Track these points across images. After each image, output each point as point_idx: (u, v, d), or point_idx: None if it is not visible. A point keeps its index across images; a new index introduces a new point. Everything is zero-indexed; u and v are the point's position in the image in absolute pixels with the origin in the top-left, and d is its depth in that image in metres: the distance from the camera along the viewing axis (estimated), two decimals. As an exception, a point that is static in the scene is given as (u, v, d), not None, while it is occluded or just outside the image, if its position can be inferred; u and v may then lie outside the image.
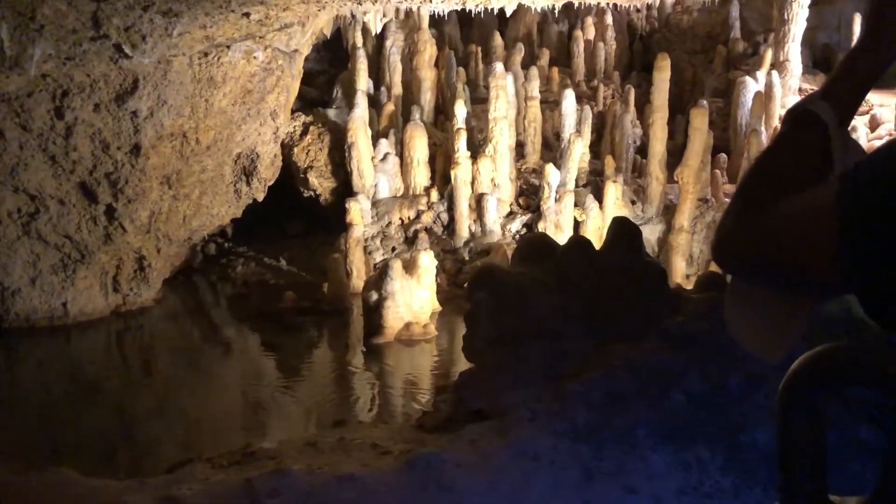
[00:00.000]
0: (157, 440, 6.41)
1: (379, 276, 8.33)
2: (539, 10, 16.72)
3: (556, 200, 10.14)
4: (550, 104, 13.72)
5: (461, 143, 10.47)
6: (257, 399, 7.05)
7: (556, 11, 18.16)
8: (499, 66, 10.66)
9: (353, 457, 4.81)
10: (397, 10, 12.51)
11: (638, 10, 20.43)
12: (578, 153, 10.20)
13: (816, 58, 17.58)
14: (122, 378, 8.03)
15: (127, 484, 4.09)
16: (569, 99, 10.83)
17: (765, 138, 13.75)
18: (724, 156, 13.94)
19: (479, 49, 15.06)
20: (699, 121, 10.27)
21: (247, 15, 7.23)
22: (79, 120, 7.71)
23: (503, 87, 10.59)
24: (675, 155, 13.21)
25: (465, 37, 17.07)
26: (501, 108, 10.58)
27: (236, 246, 12.41)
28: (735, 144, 14.49)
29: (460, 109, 10.81)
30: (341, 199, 10.90)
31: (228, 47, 8.24)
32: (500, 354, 4.93)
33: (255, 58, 8.77)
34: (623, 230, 5.01)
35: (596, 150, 13.14)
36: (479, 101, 13.56)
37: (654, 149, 10.75)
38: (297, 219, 12.81)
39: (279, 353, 8.35)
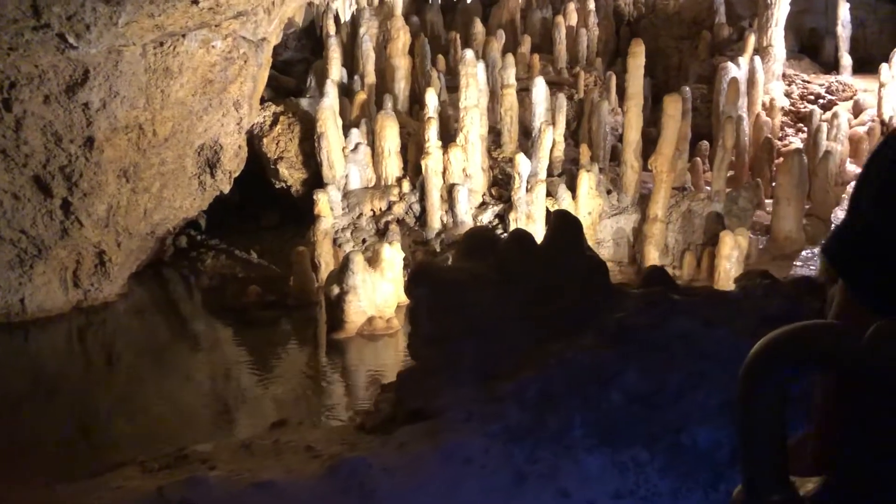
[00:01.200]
0: (107, 440, 6.27)
1: (340, 270, 8.17)
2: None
3: (527, 190, 9.95)
4: (530, 92, 13.53)
5: (432, 133, 10.28)
6: (209, 397, 6.90)
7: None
8: (468, 54, 10.45)
9: (283, 461, 4.66)
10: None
11: (625, -4, 20.21)
12: (549, 142, 10.00)
13: (804, 42, 17.35)
14: (80, 375, 7.88)
15: (37, 492, 3.94)
16: (539, 87, 10.62)
17: (746, 125, 13.56)
18: (705, 143, 13.76)
19: (458, 36, 14.83)
20: (672, 108, 10.07)
21: (195, 2, 7.04)
22: (28, 112, 7.52)
23: (473, 75, 10.38)
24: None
25: (449, 24, 16.85)
26: (472, 96, 10.38)
27: (209, 238, 12.25)
28: (717, 132, 14.29)
29: (431, 98, 10.61)
30: (313, 191, 10.72)
31: (184, 36, 8.04)
32: (437, 353, 4.77)
33: (213, 47, 8.56)
34: (564, 224, 4.83)
35: (577, 138, 12.95)
36: (456, 89, 13.35)
37: (629, 137, 10.55)
38: (271, 210, 12.66)
39: (238, 349, 8.20)
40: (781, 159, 12.66)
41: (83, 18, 6.60)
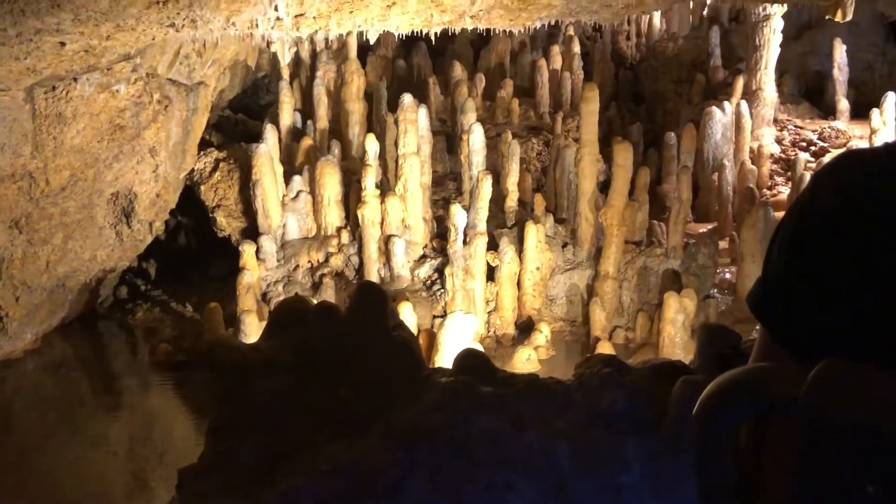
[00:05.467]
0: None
1: (235, 331, 7.52)
2: (504, 30, 15.99)
3: (465, 243, 9.24)
4: (498, 138, 12.91)
5: (369, 181, 9.66)
6: (45, 479, 6.24)
7: (530, 40, 17.43)
8: (406, 98, 9.83)
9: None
10: (327, 40, 11.86)
11: (628, 39, 19.61)
12: (488, 192, 9.29)
13: (809, 86, 16.45)
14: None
15: None
16: (476, 133, 9.93)
17: (730, 174, 12.70)
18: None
19: (434, 81, 14.32)
20: (622, 157, 9.30)
21: (62, 44, 6.54)
22: None
23: (413, 121, 9.75)
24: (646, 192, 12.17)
25: (438, 67, 16.42)
26: (411, 142, 9.74)
27: (154, 287, 11.75)
28: (702, 180, 13.45)
29: (371, 144, 10.02)
30: (251, 241, 10.20)
31: (75, 80, 7.58)
32: (215, 448, 4.07)
33: (117, 91, 8.10)
34: (366, 297, 4.12)
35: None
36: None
37: (583, 187, 9.79)
38: (221, 260, 12.12)
39: (119, 419, 7.56)
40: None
41: (-69, 61, 6.16)
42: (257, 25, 6.27)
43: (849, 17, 9.87)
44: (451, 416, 3.75)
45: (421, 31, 7.74)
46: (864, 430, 0.63)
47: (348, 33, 8.58)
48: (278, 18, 6.22)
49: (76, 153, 8.03)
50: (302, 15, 6.24)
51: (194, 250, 13.14)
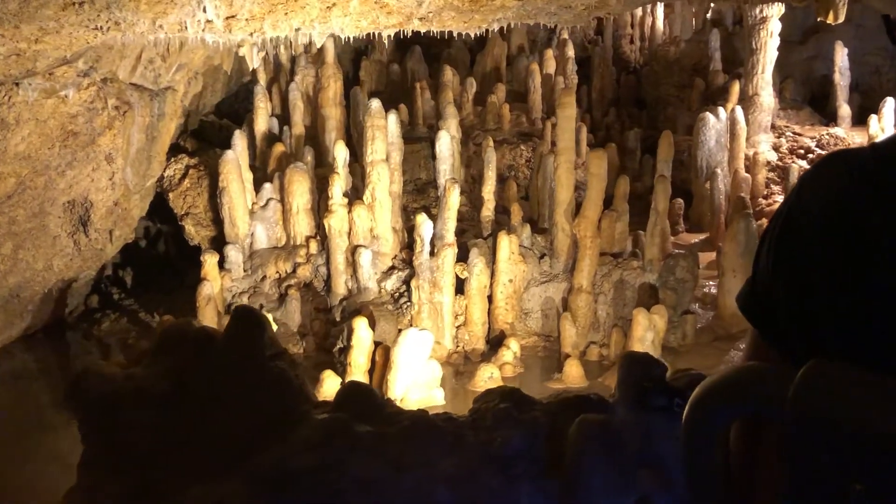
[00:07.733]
0: None
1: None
2: (500, 33, 15.66)
3: (432, 254, 8.88)
4: (498, 143, 12.56)
5: (336, 189, 9.33)
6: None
7: (528, 44, 17.07)
8: (374, 104, 9.48)
9: None
10: (308, 45, 11.57)
11: (631, 42, 19.20)
12: (456, 201, 8.91)
13: (814, 91, 15.89)
14: None
15: None
16: (443, 140, 9.57)
17: (721, 182, 12.23)
18: (679, 201, 12.45)
19: (421, 85, 13.97)
20: (596, 166, 8.88)
21: (-11, 48, 6.28)
22: None
23: (381, 127, 9.40)
24: (641, 200, 11.74)
25: (434, 72, 16.10)
26: (379, 150, 9.39)
27: (127, 297, 11.51)
28: (696, 189, 12.99)
29: (340, 151, 9.69)
30: (221, 250, 9.92)
31: (17, 85, 7.32)
32: (80, 486, 3.75)
33: (66, 97, 7.83)
34: (242, 324, 3.77)
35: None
36: (415, 140, 12.44)
37: (560, 197, 9.38)
38: (198, 268, 11.85)
39: (50, 444, 7.26)
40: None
41: None
42: (186, 28, 5.95)
43: (841, 19, 9.40)
44: (323, 458, 3.40)
45: (418, 33, 7.38)
46: (851, 430, 0.64)
47: (321, 37, 8.27)
48: (208, 21, 5.90)
49: (22, 160, 7.77)
50: (233, 17, 5.92)
51: (173, 258, 12.89)
